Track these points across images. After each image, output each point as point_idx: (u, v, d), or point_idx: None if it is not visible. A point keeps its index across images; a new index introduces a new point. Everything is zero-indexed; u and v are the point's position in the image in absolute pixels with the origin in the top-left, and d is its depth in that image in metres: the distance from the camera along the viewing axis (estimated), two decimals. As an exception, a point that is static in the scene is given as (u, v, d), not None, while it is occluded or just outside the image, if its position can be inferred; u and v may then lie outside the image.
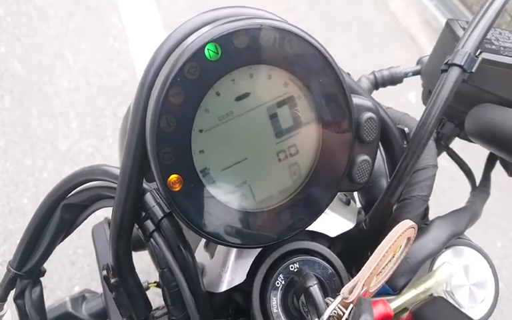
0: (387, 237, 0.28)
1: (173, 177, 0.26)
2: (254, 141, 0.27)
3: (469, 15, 2.48)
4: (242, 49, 0.25)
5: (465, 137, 0.46)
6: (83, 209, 0.35)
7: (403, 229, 0.29)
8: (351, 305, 0.26)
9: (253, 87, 0.26)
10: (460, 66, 0.30)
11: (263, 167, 0.28)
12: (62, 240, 0.38)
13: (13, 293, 0.39)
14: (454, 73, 0.30)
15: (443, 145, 0.50)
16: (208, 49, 0.24)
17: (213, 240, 0.28)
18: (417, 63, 0.50)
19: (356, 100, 0.29)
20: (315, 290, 0.27)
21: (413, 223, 0.29)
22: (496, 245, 1.76)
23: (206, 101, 0.25)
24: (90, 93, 2.06)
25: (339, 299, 0.27)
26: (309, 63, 0.26)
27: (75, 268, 1.52)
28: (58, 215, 0.35)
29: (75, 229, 0.37)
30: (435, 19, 2.67)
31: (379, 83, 0.47)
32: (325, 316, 0.26)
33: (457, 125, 0.45)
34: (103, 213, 0.52)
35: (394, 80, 0.47)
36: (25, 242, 0.37)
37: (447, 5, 2.82)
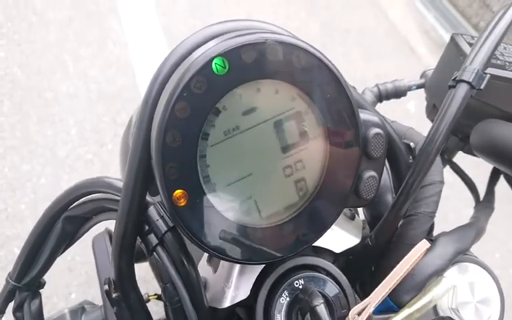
0: (403, 261, 0.28)
1: (178, 192, 0.25)
2: (260, 155, 0.27)
3: (467, 26, 2.49)
4: (249, 63, 0.25)
5: (468, 151, 0.46)
6: (84, 221, 0.35)
7: (421, 251, 0.28)
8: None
9: (260, 101, 0.26)
10: (468, 82, 0.29)
11: (268, 182, 0.27)
12: (62, 252, 0.37)
13: (11, 305, 0.39)
14: (462, 90, 0.30)
15: (446, 159, 0.49)
16: (215, 64, 0.24)
17: (217, 255, 0.27)
18: (421, 77, 0.50)
19: (363, 115, 0.28)
20: (322, 309, 0.26)
21: (429, 245, 0.29)
22: (494, 255, 1.75)
23: (212, 115, 0.25)
24: (89, 99, 2.06)
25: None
26: (316, 78, 0.26)
27: (72, 275, 1.51)
28: (59, 227, 0.35)
29: (76, 241, 0.37)
30: (433, 30, 2.69)
31: (383, 95, 0.47)
32: None
33: (461, 139, 0.45)
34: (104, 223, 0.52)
35: (398, 93, 0.47)
36: (25, 254, 0.36)
37: (445, 15, 2.84)
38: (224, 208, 0.27)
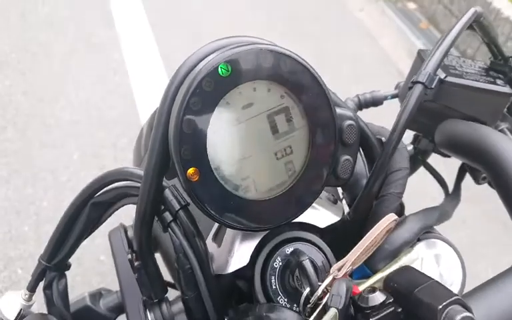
0: (374, 227, 0.34)
1: (191, 170, 0.32)
2: (256, 142, 0.33)
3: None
4: (247, 67, 0.32)
5: (438, 151, 0.53)
6: (108, 207, 0.41)
7: (388, 221, 0.35)
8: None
9: (255, 98, 0.33)
10: (422, 83, 0.37)
11: (263, 163, 0.34)
12: (87, 237, 0.43)
13: (41, 285, 0.44)
14: (418, 89, 0.37)
15: (420, 160, 0.56)
16: (221, 68, 0.31)
17: (223, 223, 0.34)
18: (395, 88, 0.57)
19: (339, 110, 0.35)
20: (307, 263, 0.33)
21: (396, 217, 0.35)
22: (487, 271, 1.80)
23: (218, 109, 0.32)
24: (91, 125, 2.12)
25: (330, 276, 0.33)
26: (300, 80, 0.33)
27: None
28: (86, 213, 0.41)
29: (100, 225, 0.43)
30: (421, 56, 2.77)
31: (363, 104, 0.54)
32: (320, 290, 0.32)
33: (431, 141, 0.52)
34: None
35: (375, 102, 0.54)
36: (56, 237, 0.42)
37: (433, 41, 2.96)
38: (228, 184, 0.33)
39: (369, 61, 2.71)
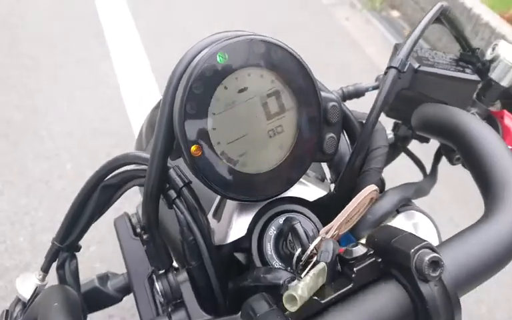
0: (357, 195, 0.39)
1: (194, 147, 0.36)
2: (251, 122, 0.38)
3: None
4: (242, 56, 0.36)
5: (417, 137, 0.58)
6: (117, 189, 0.45)
7: (369, 190, 0.39)
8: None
9: (250, 82, 0.37)
10: (395, 68, 0.41)
11: (257, 141, 0.38)
12: (96, 219, 0.47)
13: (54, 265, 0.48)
14: (391, 73, 0.42)
15: (400, 146, 0.61)
16: (219, 55, 0.35)
17: (222, 194, 0.38)
18: (376, 80, 0.62)
19: (323, 93, 0.40)
20: (298, 226, 0.37)
21: (376, 187, 0.40)
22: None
23: (217, 92, 0.36)
24: (83, 136, 2.15)
25: (319, 237, 0.37)
26: (289, 66, 0.38)
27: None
28: (96, 196, 0.45)
29: (109, 207, 0.46)
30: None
31: (346, 96, 0.59)
32: (310, 248, 0.36)
33: (410, 128, 0.57)
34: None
35: (358, 94, 0.59)
36: (68, 220, 0.46)
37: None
38: (227, 159, 0.37)
39: (356, 69, 2.78)
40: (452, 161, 0.55)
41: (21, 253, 1.68)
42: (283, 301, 0.29)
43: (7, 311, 0.46)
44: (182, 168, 0.42)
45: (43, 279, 0.48)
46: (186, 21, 3.00)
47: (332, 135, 0.40)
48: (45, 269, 0.47)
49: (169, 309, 0.41)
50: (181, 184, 0.40)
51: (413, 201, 0.48)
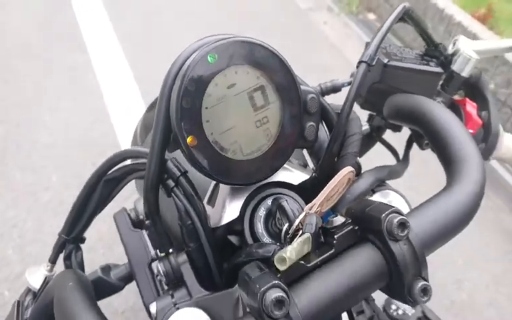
0: (336, 176, 0.43)
1: (190, 138, 0.40)
2: (240, 114, 0.42)
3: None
4: (230, 55, 0.41)
5: (390, 126, 0.64)
6: (117, 183, 0.49)
7: (346, 171, 0.44)
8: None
9: (237, 79, 0.42)
10: (365, 62, 0.47)
11: (246, 131, 0.43)
12: (99, 212, 0.51)
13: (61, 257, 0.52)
14: (362, 67, 0.47)
15: (375, 137, 0.66)
16: (210, 56, 0.40)
17: (217, 180, 0.42)
18: (351, 76, 0.67)
19: (302, 87, 0.45)
20: (285, 203, 0.42)
21: (353, 169, 0.45)
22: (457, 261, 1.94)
23: (209, 89, 0.41)
24: (68, 147, 2.16)
25: (304, 213, 0.41)
26: (271, 64, 0.42)
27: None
28: (99, 190, 0.49)
29: (111, 200, 0.50)
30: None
31: (324, 91, 0.64)
32: (296, 222, 0.40)
33: (383, 118, 0.62)
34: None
35: (335, 89, 0.64)
36: (73, 213, 0.50)
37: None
38: (220, 148, 0.42)
39: (335, 71, 2.86)
40: (422, 146, 0.61)
41: (10, 264, 1.69)
42: (275, 261, 0.34)
43: (19, 301, 0.50)
44: (179, 160, 0.46)
45: (51, 270, 0.51)
46: (164, 29, 3.03)
47: (312, 123, 0.45)
48: (53, 260, 0.51)
49: (170, 290, 0.45)
50: (178, 173, 0.45)
51: (388, 182, 0.53)
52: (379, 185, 0.51)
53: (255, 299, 0.32)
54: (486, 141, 0.59)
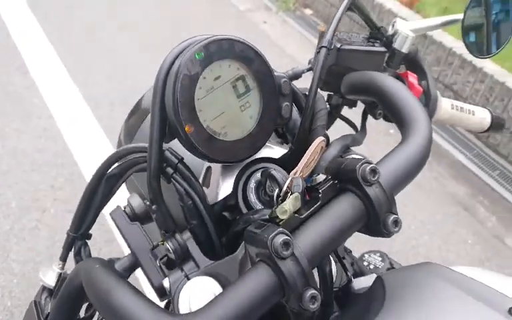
0: (311, 145, 0.51)
1: (187, 126, 0.47)
2: (226, 101, 0.49)
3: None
4: (213, 52, 0.47)
5: (346, 103, 0.73)
6: (118, 179, 0.54)
7: (319, 140, 0.52)
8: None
9: (221, 72, 0.48)
10: (325, 46, 0.55)
11: (233, 115, 0.49)
12: (103, 208, 0.56)
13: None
14: (323, 51, 0.55)
15: (334, 114, 0.75)
16: (197, 53, 0.47)
17: (213, 160, 0.49)
18: (308, 63, 0.76)
19: (276, 73, 0.52)
20: (274, 171, 0.49)
21: (324, 138, 0.53)
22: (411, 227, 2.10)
23: (199, 82, 0.47)
24: (23, 172, 2.12)
25: (290, 177, 0.49)
26: (249, 56, 0.49)
27: None
28: (102, 187, 0.54)
29: (113, 196, 0.55)
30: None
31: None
32: (285, 185, 0.47)
33: (340, 96, 0.71)
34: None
35: (296, 76, 0.72)
36: (79, 211, 0.54)
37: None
38: (212, 132, 0.48)
39: (281, 68, 2.96)
40: (375, 117, 0.70)
41: (-22, 293, 1.64)
42: (277, 212, 0.41)
43: (35, 301, 0.53)
44: (174, 149, 0.52)
45: (63, 268, 0.55)
46: (100, 35, 3.02)
47: (287, 103, 0.53)
48: (64, 258, 0.55)
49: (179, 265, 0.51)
50: (176, 161, 0.51)
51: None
52: (345, 151, 0.59)
53: (265, 246, 0.39)
54: (427, 105, 0.70)
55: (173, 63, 0.48)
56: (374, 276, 0.64)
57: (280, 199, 0.48)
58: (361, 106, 0.74)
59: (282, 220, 0.43)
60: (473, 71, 2.55)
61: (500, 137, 2.50)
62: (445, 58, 2.65)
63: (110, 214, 0.63)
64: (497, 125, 0.78)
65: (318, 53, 0.56)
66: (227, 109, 0.49)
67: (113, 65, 2.80)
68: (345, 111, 0.74)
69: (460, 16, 0.71)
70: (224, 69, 0.49)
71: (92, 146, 2.24)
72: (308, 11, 3.73)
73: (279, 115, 0.52)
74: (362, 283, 0.57)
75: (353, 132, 0.71)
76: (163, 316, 0.38)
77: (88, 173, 2.10)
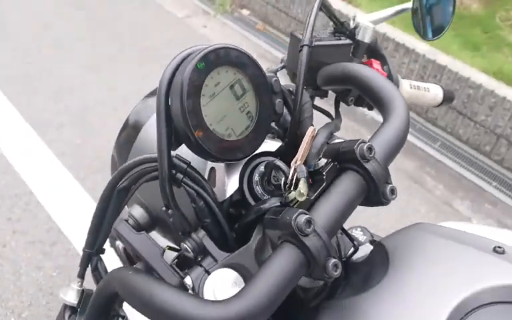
0: (305, 135, 0.56)
1: (197, 131, 0.50)
2: (227, 104, 0.53)
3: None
4: (212, 60, 0.51)
5: (318, 94, 0.79)
6: (128, 191, 0.56)
7: (312, 129, 0.57)
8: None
9: (221, 78, 0.52)
10: (307, 45, 0.61)
11: (234, 117, 0.54)
12: (115, 220, 0.58)
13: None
14: (305, 49, 0.61)
15: (308, 106, 0.82)
16: (198, 63, 0.50)
17: (221, 159, 0.53)
18: (281, 62, 0.82)
19: (267, 74, 0.57)
20: (278, 162, 0.54)
21: (314, 127, 0.58)
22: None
23: (202, 90, 0.51)
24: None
25: (293, 166, 0.54)
26: (243, 61, 0.54)
27: None
28: (113, 200, 0.56)
29: (123, 208, 0.58)
30: (268, 53, 3.18)
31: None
32: (291, 172, 0.52)
33: (314, 88, 0.78)
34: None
35: (272, 75, 0.78)
36: (93, 228, 0.56)
37: (272, 39, 3.39)
38: (218, 133, 0.52)
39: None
40: (347, 103, 0.77)
41: None
42: (296, 196, 0.46)
43: (58, 321, 0.55)
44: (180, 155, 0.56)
45: (82, 284, 0.57)
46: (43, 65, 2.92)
47: (279, 99, 0.58)
48: (82, 275, 0.57)
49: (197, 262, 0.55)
50: (184, 166, 0.54)
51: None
52: (329, 137, 0.65)
53: (289, 227, 0.44)
54: (391, 87, 0.78)
55: (173, 75, 0.51)
56: (368, 245, 0.71)
57: (287, 186, 0.53)
58: (332, 96, 0.80)
59: (296, 203, 0.48)
60: (406, 53, 2.74)
61: (437, 111, 2.71)
62: (380, 42, 2.82)
63: (114, 227, 0.65)
64: (448, 98, 0.88)
65: (300, 50, 0.61)
66: (228, 111, 0.53)
67: (58, 86, 2.71)
68: (317, 101, 0.81)
69: (410, 4, 0.80)
70: (222, 75, 0.53)
71: (45, 171, 2.17)
72: (245, 12, 3.80)
73: (273, 111, 0.57)
74: (359, 252, 0.63)
75: (328, 120, 0.78)
76: (209, 305, 0.41)
77: (45, 200, 2.04)
